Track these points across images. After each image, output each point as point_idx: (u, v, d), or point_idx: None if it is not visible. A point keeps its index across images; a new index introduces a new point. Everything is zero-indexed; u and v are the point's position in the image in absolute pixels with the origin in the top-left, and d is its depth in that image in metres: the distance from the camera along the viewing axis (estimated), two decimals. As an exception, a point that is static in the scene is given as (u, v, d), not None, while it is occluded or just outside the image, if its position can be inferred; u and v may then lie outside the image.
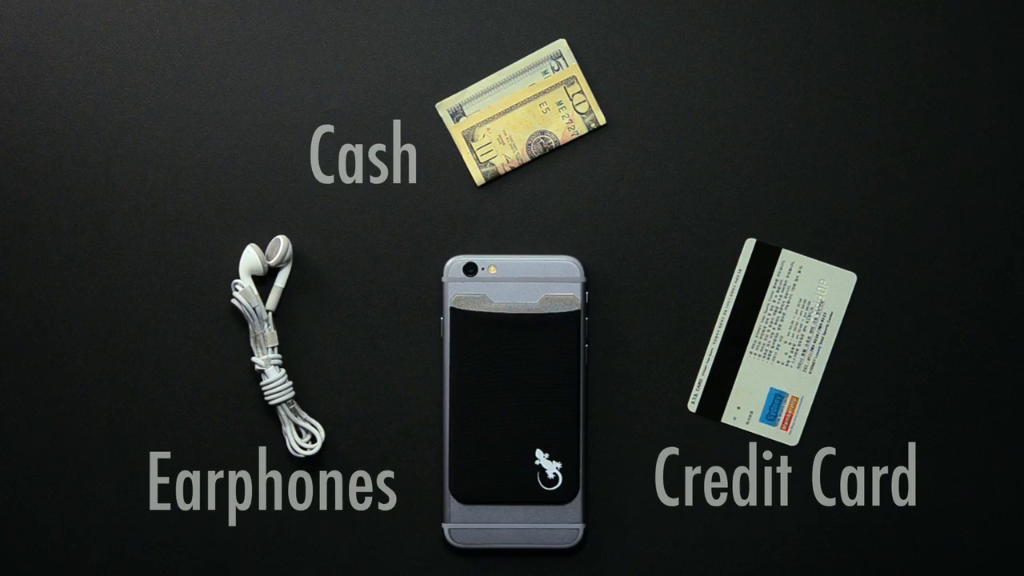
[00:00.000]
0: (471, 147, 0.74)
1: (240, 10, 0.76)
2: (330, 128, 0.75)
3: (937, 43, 0.76)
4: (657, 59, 0.76)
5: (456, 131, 0.74)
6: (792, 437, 0.75)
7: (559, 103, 0.74)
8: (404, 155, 0.76)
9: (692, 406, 0.75)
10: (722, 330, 0.74)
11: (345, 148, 0.76)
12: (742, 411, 0.75)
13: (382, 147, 0.76)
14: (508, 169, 0.74)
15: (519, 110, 0.74)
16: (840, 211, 0.75)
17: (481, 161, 0.74)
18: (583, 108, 0.74)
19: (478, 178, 0.74)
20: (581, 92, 0.74)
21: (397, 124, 0.76)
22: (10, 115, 0.75)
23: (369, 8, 0.76)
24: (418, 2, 0.76)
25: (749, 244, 0.74)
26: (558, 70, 0.74)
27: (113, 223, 0.75)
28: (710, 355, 0.75)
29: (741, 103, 0.75)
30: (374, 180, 0.75)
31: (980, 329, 0.75)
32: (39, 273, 0.75)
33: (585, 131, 0.74)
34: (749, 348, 0.75)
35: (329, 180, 0.75)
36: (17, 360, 0.75)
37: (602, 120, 0.74)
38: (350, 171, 0.76)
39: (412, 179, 0.76)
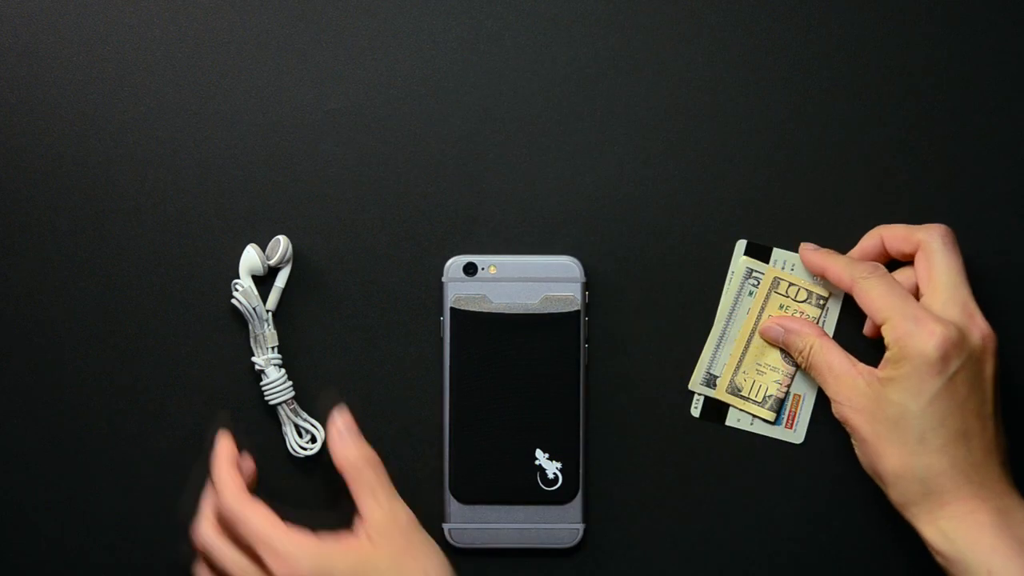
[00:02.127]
0: (743, 397, 0.74)
1: (240, 10, 0.76)
2: (330, 128, 0.75)
3: (937, 43, 0.76)
4: (657, 59, 0.76)
5: (725, 397, 0.74)
6: (797, 436, 0.75)
7: (781, 307, 0.74)
8: (404, 155, 0.76)
9: (695, 411, 0.75)
10: (720, 331, 0.74)
11: (345, 148, 0.76)
12: (745, 414, 0.75)
13: (382, 147, 0.76)
14: (785, 391, 0.74)
15: (755, 339, 0.74)
16: (840, 210, 0.75)
17: (761, 400, 0.74)
18: (802, 296, 0.74)
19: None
20: (792, 285, 0.74)
21: (397, 124, 0.76)
22: (10, 115, 0.75)
23: (369, 8, 0.76)
24: (418, 2, 0.76)
25: (740, 245, 0.74)
26: (758, 282, 0.74)
27: (113, 223, 0.75)
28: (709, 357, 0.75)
29: (741, 104, 0.75)
30: (374, 180, 0.75)
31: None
32: (39, 273, 0.75)
33: (818, 313, 0.74)
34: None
35: (329, 180, 0.75)
36: (17, 360, 0.75)
37: (825, 293, 0.74)
38: (350, 171, 0.75)
39: (412, 179, 0.75)
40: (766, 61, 0.76)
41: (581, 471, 0.74)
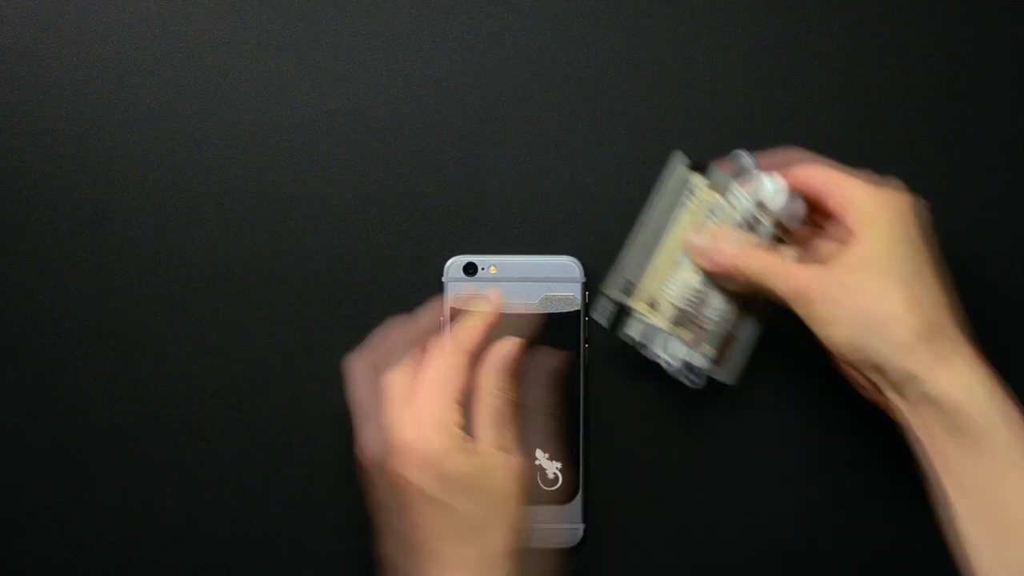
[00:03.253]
0: (657, 311, 0.72)
1: (240, 10, 0.76)
2: (330, 128, 0.75)
3: (937, 43, 0.76)
4: (657, 59, 0.76)
5: (642, 307, 0.71)
6: (728, 375, 0.72)
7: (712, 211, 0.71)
8: (404, 155, 0.76)
9: (601, 317, 0.72)
10: (646, 241, 0.72)
11: (345, 148, 0.76)
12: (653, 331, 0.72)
13: (382, 147, 0.76)
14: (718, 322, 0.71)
15: (685, 259, 0.71)
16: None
17: (671, 316, 0.71)
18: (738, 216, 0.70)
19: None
20: (732, 206, 0.70)
21: (397, 124, 0.76)
22: (10, 115, 0.75)
23: (369, 8, 0.76)
24: (418, 2, 0.76)
25: (676, 156, 0.71)
26: (694, 196, 0.71)
27: (113, 223, 0.75)
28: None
29: (741, 104, 0.75)
30: (374, 180, 0.75)
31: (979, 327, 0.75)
32: (39, 273, 0.75)
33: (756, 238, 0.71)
34: None
35: (329, 180, 0.75)
36: (17, 360, 0.75)
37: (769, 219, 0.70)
38: (350, 171, 0.76)
39: (412, 179, 0.76)
40: (766, 61, 0.76)
41: (581, 471, 0.74)
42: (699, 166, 0.71)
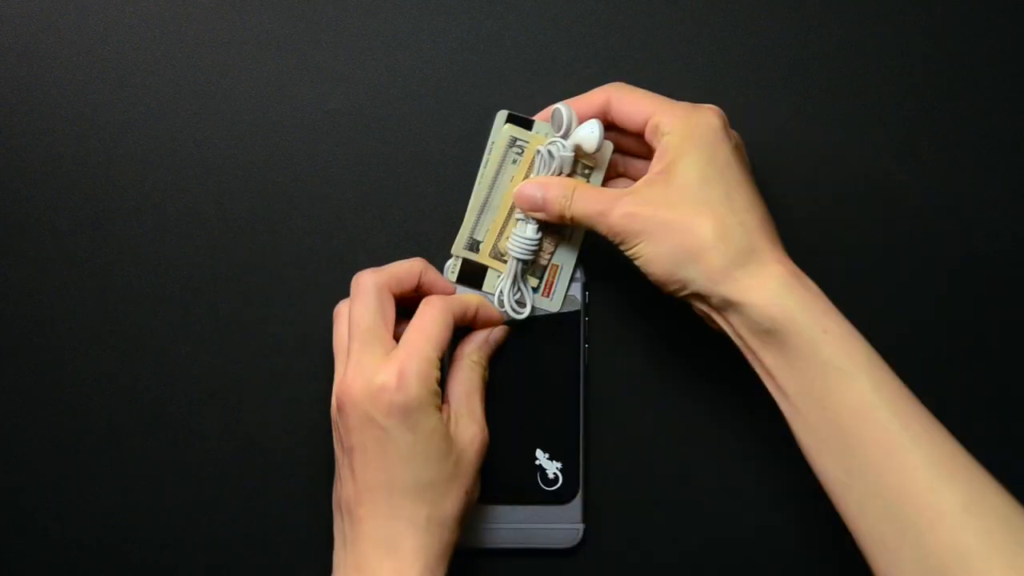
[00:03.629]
0: (504, 261, 0.73)
1: (240, 10, 0.76)
2: (330, 128, 0.75)
3: (937, 43, 0.76)
4: (657, 59, 0.76)
5: (487, 261, 0.73)
6: (554, 304, 0.74)
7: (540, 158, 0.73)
8: (404, 155, 0.76)
9: (451, 275, 0.73)
10: (482, 199, 0.73)
11: (345, 148, 0.76)
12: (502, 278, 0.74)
13: (382, 147, 0.76)
14: (547, 258, 0.74)
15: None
16: (840, 210, 0.75)
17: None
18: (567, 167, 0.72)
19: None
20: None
21: (397, 124, 0.76)
22: (10, 115, 0.75)
23: (369, 8, 0.76)
24: (418, 2, 0.76)
25: (501, 115, 0.73)
26: (521, 151, 0.72)
27: (113, 223, 0.75)
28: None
29: (741, 104, 0.75)
30: (374, 180, 0.75)
31: (980, 327, 0.75)
32: (39, 273, 0.75)
33: (584, 181, 0.72)
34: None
35: (329, 180, 0.75)
36: (17, 360, 0.75)
37: (591, 162, 0.72)
38: (350, 171, 0.75)
39: (412, 179, 0.76)
40: (766, 61, 0.76)
41: (581, 471, 0.74)
42: (523, 121, 0.72)
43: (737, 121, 0.75)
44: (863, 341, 0.63)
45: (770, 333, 0.63)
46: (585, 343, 0.74)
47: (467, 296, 0.72)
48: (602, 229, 0.68)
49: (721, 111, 0.68)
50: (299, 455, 0.75)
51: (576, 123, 0.71)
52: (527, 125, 0.72)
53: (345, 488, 0.67)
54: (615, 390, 0.75)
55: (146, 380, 0.75)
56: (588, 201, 0.68)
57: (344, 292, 0.75)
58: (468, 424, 0.68)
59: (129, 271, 0.75)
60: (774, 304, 0.63)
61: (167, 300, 0.75)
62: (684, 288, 0.65)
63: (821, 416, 0.62)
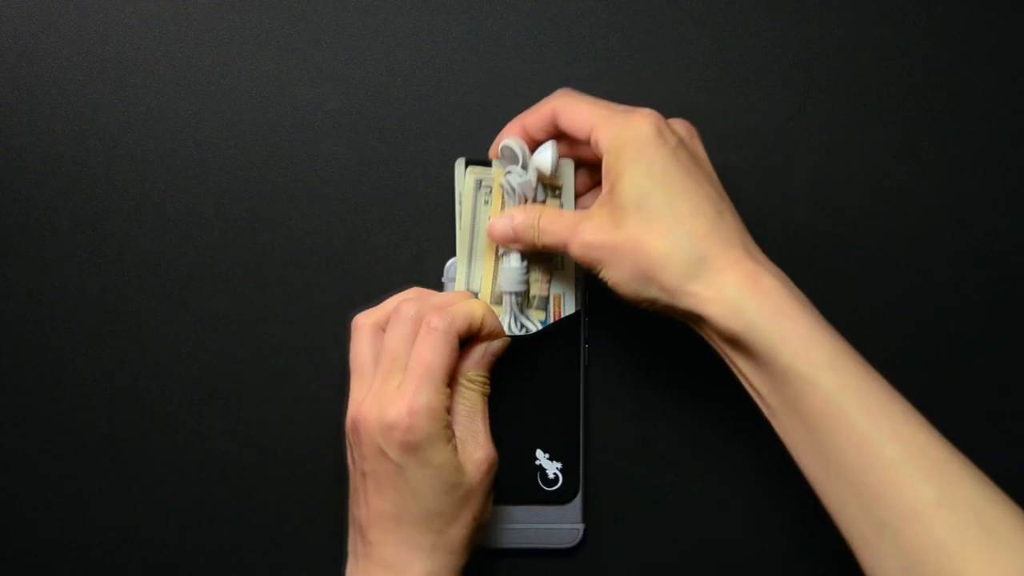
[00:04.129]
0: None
1: (240, 10, 0.76)
2: (330, 128, 0.75)
3: (937, 43, 0.76)
4: (657, 59, 0.76)
5: (495, 309, 0.72)
6: None
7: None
8: (404, 155, 0.76)
9: None
10: (467, 249, 0.73)
11: (345, 148, 0.76)
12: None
13: (382, 147, 0.76)
14: (547, 289, 0.73)
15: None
16: (840, 211, 0.75)
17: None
18: (538, 195, 0.72)
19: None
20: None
21: (397, 124, 0.76)
22: (10, 115, 0.75)
23: (369, 8, 0.76)
24: (418, 2, 0.76)
25: (459, 163, 0.72)
26: (490, 190, 0.72)
27: (113, 223, 0.75)
28: None
29: (741, 104, 0.75)
30: (374, 180, 0.75)
31: (980, 327, 0.75)
32: (39, 273, 0.75)
33: (557, 203, 0.72)
34: None
35: (329, 180, 0.75)
36: (17, 360, 0.75)
37: (558, 182, 0.72)
38: (350, 171, 0.75)
39: (412, 179, 0.75)
40: (766, 61, 0.76)
41: (581, 471, 0.74)
42: (483, 162, 0.72)
43: (737, 121, 0.75)
44: (825, 337, 0.61)
45: (735, 342, 0.63)
46: (585, 343, 0.74)
47: (469, 306, 0.70)
48: (571, 255, 0.67)
49: (655, 113, 0.66)
50: (299, 455, 0.75)
51: (527, 151, 0.70)
52: (488, 164, 0.72)
53: (360, 509, 0.67)
54: (615, 390, 0.75)
55: (146, 380, 0.75)
56: (553, 230, 0.68)
57: (344, 292, 0.75)
58: (473, 449, 0.68)
59: (129, 271, 0.75)
60: (730, 314, 0.62)
61: (167, 300, 0.75)
62: (653, 305, 0.65)
63: (794, 418, 0.62)
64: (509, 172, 0.71)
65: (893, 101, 0.76)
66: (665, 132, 0.65)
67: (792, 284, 0.63)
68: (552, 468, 0.74)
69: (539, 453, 0.74)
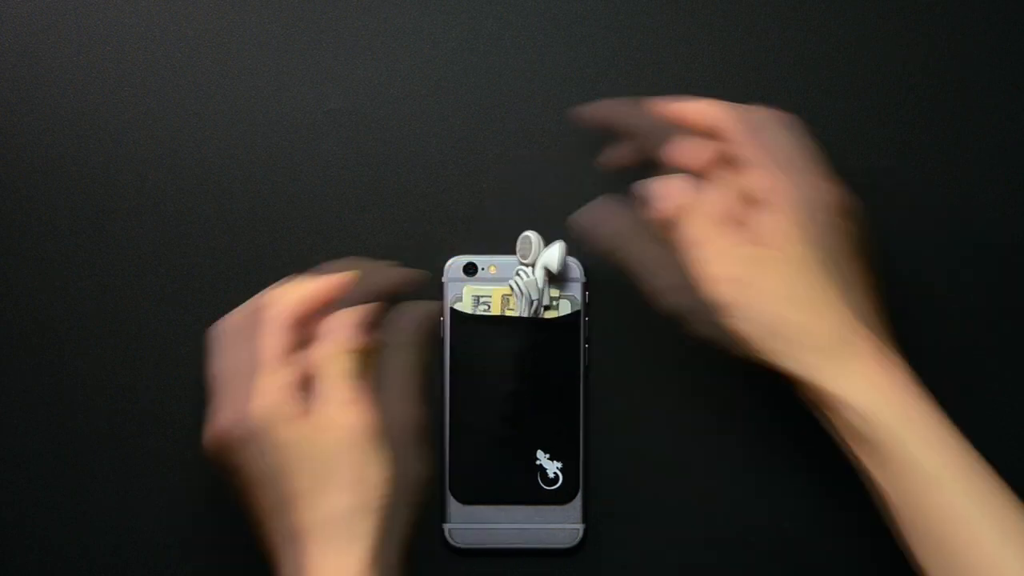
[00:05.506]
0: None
1: (240, 10, 0.76)
2: (330, 128, 0.75)
3: (937, 43, 0.76)
4: (657, 59, 0.76)
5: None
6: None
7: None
8: (404, 155, 0.76)
9: None
10: None
11: (345, 148, 0.76)
12: None
13: (382, 147, 0.76)
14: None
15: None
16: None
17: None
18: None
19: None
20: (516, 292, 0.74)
21: (397, 124, 0.76)
22: (10, 115, 0.75)
23: (369, 8, 0.76)
24: (418, 2, 0.76)
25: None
26: (488, 307, 0.74)
27: (113, 223, 0.75)
28: None
29: (741, 103, 0.75)
30: (374, 180, 0.75)
31: (980, 327, 0.75)
32: (39, 273, 0.75)
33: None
34: None
35: (329, 180, 0.75)
36: (17, 360, 0.75)
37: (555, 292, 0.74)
38: (350, 171, 0.75)
39: (412, 179, 0.76)
40: (766, 61, 0.76)
41: (581, 471, 0.74)
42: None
43: (737, 121, 0.75)
44: (954, 440, 0.61)
45: (867, 440, 0.61)
46: (585, 343, 0.74)
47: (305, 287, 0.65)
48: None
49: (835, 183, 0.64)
50: (299, 455, 0.75)
51: (541, 246, 0.73)
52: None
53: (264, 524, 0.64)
54: (615, 390, 0.75)
55: (146, 380, 0.75)
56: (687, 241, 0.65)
57: (344, 292, 0.75)
58: (336, 412, 0.61)
59: (129, 271, 0.75)
60: (870, 412, 0.60)
61: (167, 300, 0.75)
62: (769, 361, 0.62)
63: (916, 515, 0.61)
64: (518, 273, 0.73)
65: (893, 101, 0.75)
66: (836, 198, 0.64)
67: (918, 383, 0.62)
68: (552, 468, 0.74)
69: (539, 453, 0.74)
